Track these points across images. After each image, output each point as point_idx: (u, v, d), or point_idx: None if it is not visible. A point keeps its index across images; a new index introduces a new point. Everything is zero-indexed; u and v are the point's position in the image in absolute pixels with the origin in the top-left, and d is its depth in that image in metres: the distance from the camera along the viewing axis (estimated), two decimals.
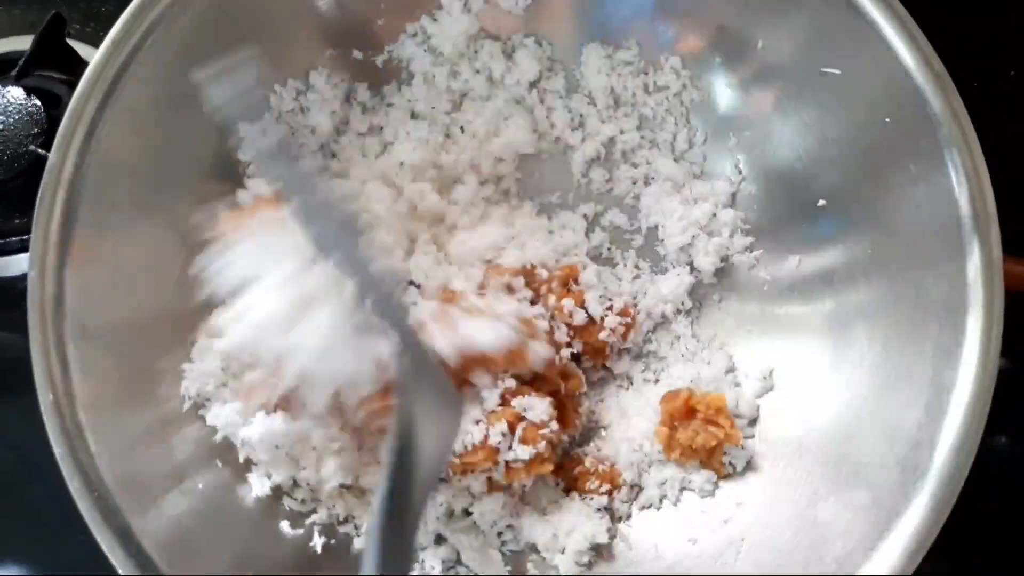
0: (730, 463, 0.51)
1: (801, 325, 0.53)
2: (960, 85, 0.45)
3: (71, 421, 0.43)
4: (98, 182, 0.46)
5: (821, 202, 0.52)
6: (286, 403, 0.47)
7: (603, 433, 0.54)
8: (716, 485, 0.51)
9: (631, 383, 0.55)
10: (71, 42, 0.62)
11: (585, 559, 0.50)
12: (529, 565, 0.50)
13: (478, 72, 0.57)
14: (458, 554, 0.50)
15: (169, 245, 0.50)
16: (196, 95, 0.39)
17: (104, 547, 0.41)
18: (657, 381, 0.55)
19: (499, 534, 0.51)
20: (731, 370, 0.54)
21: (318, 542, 0.49)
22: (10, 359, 0.54)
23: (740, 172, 0.56)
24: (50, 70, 0.61)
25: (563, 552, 0.50)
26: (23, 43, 0.62)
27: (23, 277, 0.55)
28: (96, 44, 0.60)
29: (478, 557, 0.49)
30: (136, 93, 0.47)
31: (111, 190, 0.47)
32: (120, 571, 0.41)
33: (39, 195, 0.45)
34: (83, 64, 0.59)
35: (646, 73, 0.58)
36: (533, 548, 0.51)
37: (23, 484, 0.56)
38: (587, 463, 0.52)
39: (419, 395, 0.42)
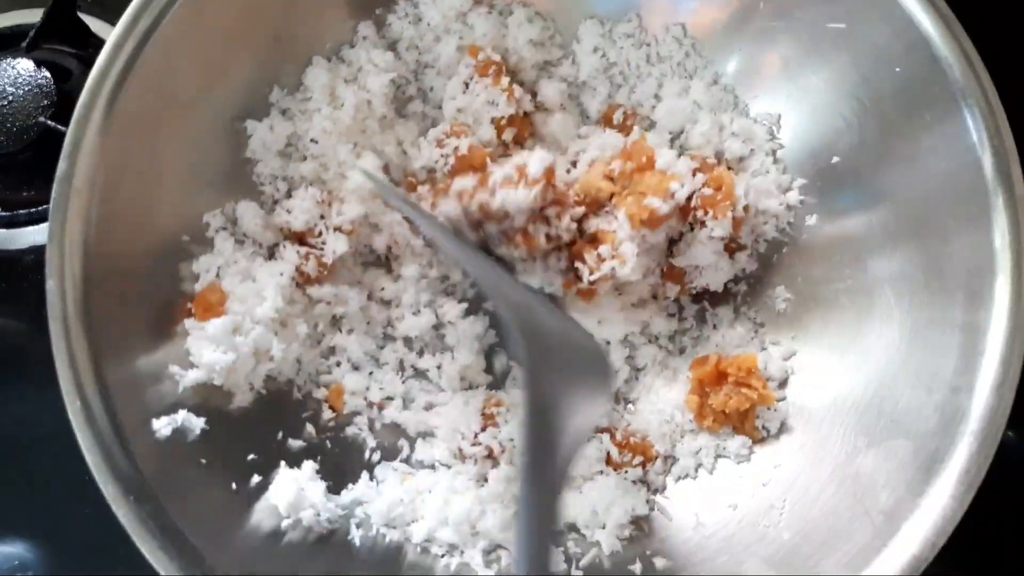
0: (763, 427, 0.50)
1: (828, 289, 0.52)
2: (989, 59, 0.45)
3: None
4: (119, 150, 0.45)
5: (835, 159, 0.52)
6: None
7: (632, 408, 0.54)
8: (751, 450, 0.51)
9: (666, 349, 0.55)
10: (82, 15, 0.63)
11: (626, 532, 0.49)
12: (569, 544, 0.49)
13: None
14: (496, 545, 0.48)
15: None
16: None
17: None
18: (683, 351, 0.55)
19: None
20: (755, 334, 0.53)
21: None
22: (19, 333, 0.55)
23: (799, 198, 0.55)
24: (60, 43, 0.62)
25: (604, 527, 0.49)
26: (33, 16, 0.62)
27: (32, 250, 0.58)
28: (107, 18, 0.63)
29: None
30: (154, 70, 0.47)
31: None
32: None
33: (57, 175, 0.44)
34: (93, 37, 0.62)
35: (648, 45, 0.58)
36: (572, 527, 0.50)
37: (30, 458, 0.55)
38: (619, 436, 0.51)
39: (553, 366, 0.41)
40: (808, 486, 0.46)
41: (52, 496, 0.52)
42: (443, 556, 0.48)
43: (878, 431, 0.45)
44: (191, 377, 0.46)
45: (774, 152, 0.55)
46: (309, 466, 0.48)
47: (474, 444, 0.50)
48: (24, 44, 0.60)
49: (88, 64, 0.56)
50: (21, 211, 0.59)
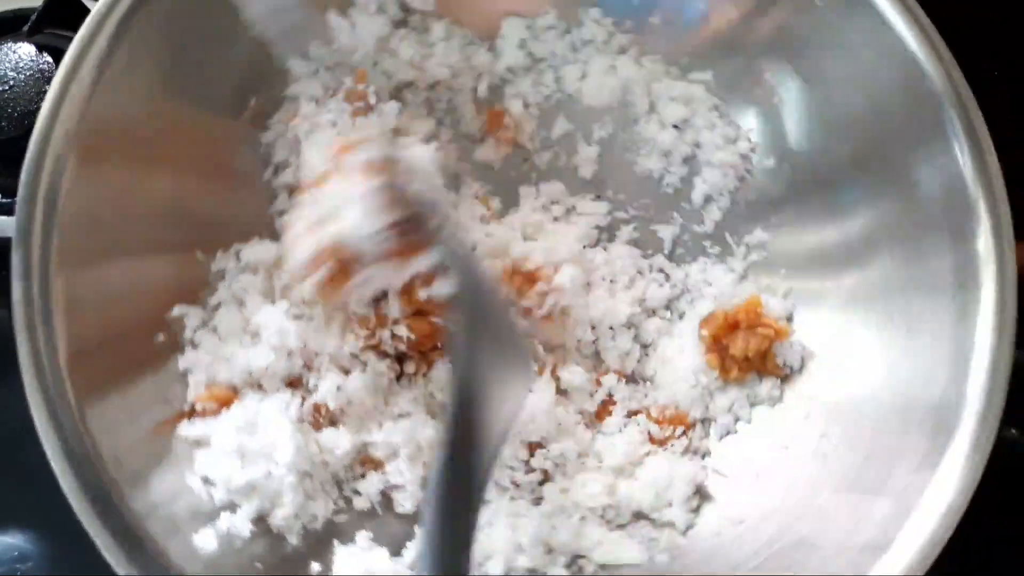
0: (785, 363, 0.51)
1: (821, 298, 0.52)
2: (979, 73, 0.45)
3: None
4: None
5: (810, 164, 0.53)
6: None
7: (651, 384, 0.53)
8: (782, 389, 0.51)
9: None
10: (84, 0, 0.61)
11: (694, 504, 0.48)
12: (643, 531, 0.48)
13: None
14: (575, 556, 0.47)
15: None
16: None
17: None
18: (682, 316, 0.55)
19: (602, 515, 0.48)
20: (746, 278, 0.55)
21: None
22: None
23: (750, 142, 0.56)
24: (62, 28, 0.60)
25: (671, 505, 0.48)
26: (35, 0, 0.60)
27: None
28: None
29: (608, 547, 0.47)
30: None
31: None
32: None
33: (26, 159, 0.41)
34: None
35: (569, 32, 0.58)
36: (638, 515, 0.49)
37: (28, 450, 0.49)
38: (654, 413, 0.51)
39: (482, 347, 0.38)
40: (851, 405, 0.47)
41: (51, 488, 0.49)
42: None
43: (904, 329, 0.46)
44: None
45: (716, 107, 0.57)
46: (364, 536, 0.45)
47: (528, 472, 0.48)
48: (25, 28, 0.59)
49: None
50: None
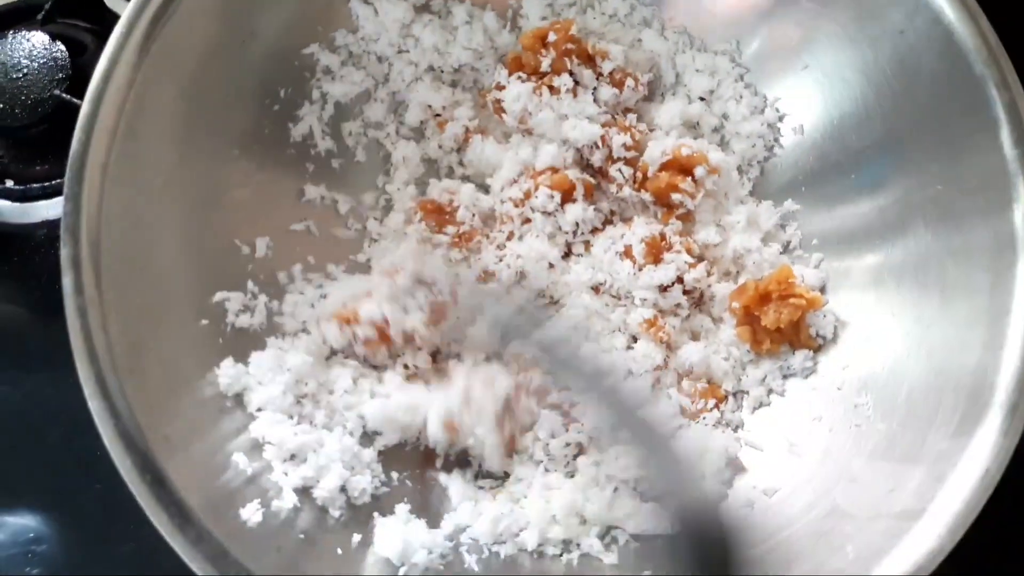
0: (817, 334, 0.51)
1: (853, 268, 0.52)
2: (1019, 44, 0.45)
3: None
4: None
5: (852, 140, 0.52)
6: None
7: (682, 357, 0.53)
8: (815, 360, 0.51)
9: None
10: None
11: (727, 475, 0.49)
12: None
13: None
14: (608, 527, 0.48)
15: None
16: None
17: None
18: (712, 297, 0.54)
19: (634, 488, 0.49)
20: (783, 251, 0.54)
21: None
22: (31, 305, 0.58)
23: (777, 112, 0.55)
24: (75, 18, 0.63)
25: (704, 478, 0.48)
26: None
27: (44, 224, 0.59)
28: None
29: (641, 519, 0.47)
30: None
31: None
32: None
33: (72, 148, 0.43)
34: (107, 12, 0.63)
35: (593, 7, 0.58)
36: None
37: (43, 433, 0.56)
38: (685, 385, 0.51)
39: None
40: (885, 374, 0.47)
41: (64, 470, 0.54)
42: (560, 555, 0.47)
43: (938, 297, 0.46)
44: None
45: (741, 77, 0.56)
46: (402, 509, 0.47)
47: (566, 445, 0.49)
48: (39, 17, 0.61)
49: (102, 39, 0.57)
50: (35, 185, 0.60)
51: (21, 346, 0.59)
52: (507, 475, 0.50)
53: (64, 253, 0.41)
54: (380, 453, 0.49)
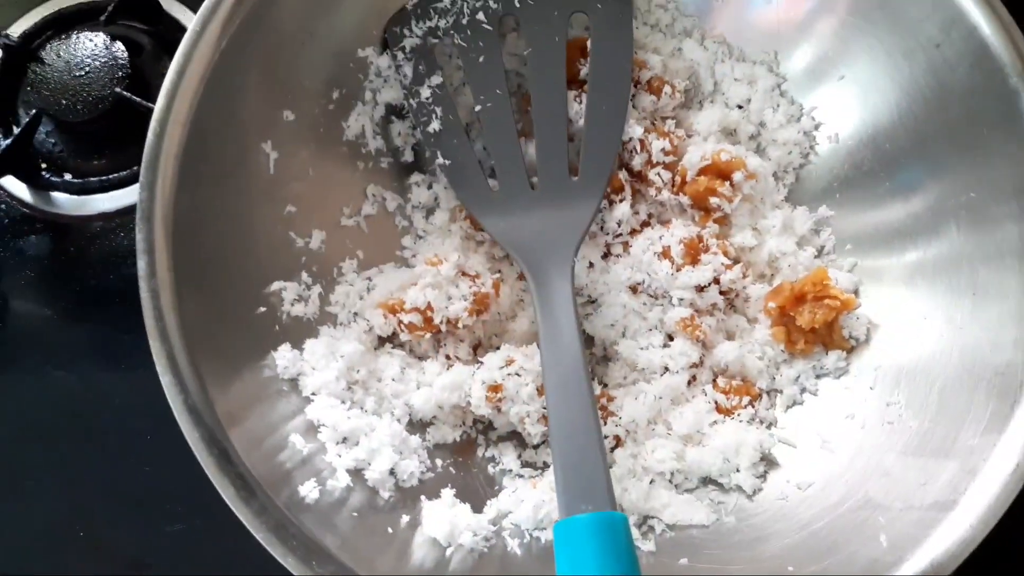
0: (850, 336, 0.53)
1: (886, 270, 0.53)
2: None
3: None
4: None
5: (887, 145, 0.53)
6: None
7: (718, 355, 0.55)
8: (847, 361, 0.53)
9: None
10: None
11: (761, 470, 0.50)
12: (712, 496, 0.50)
13: None
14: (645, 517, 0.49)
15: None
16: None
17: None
18: (748, 299, 0.56)
19: (670, 480, 0.50)
20: (817, 254, 0.56)
21: None
22: (87, 293, 0.61)
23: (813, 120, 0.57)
24: (135, 20, 0.66)
25: (738, 471, 0.50)
26: None
27: (100, 216, 0.63)
28: None
29: (677, 509, 0.49)
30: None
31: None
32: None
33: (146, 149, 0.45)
34: (165, 15, 0.67)
35: (634, 18, 0.60)
36: (708, 480, 0.51)
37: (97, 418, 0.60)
38: (720, 383, 0.53)
39: None
40: (917, 373, 0.49)
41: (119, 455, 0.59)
42: None
43: (969, 296, 0.47)
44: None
45: (779, 86, 0.58)
46: (448, 493, 0.48)
47: (604, 437, 0.51)
48: (102, 19, 0.64)
49: (159, 39, 0.66)
50: (92, 178, 0.63)
51: (77, 333, 0.62)
52: (547, 465, 0.52)
53: (139, 238, 0.44)
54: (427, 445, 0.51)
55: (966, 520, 0.41)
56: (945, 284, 0.49)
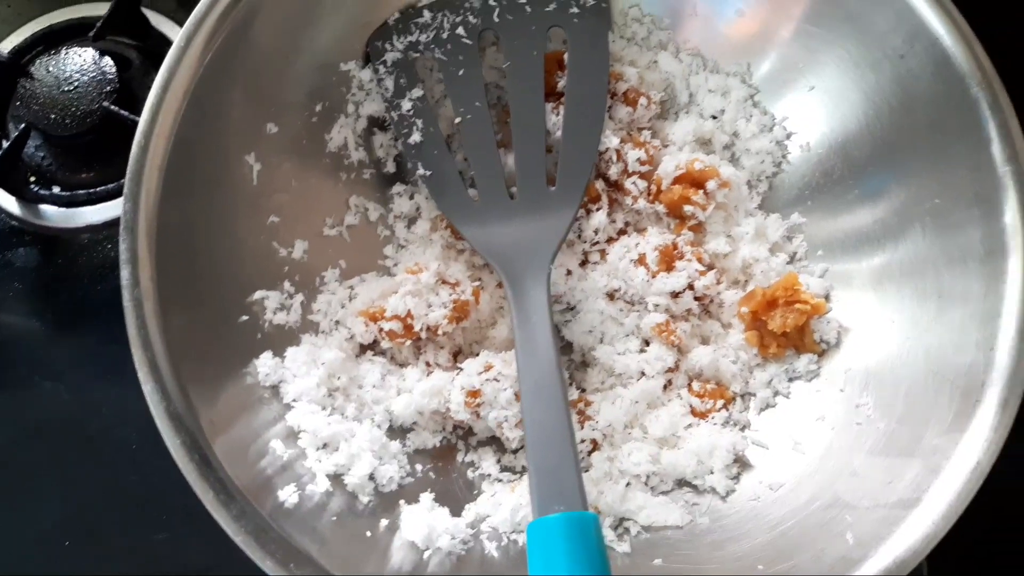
0: (822, 339, 0.54)
1: (855, 275, 0.54)
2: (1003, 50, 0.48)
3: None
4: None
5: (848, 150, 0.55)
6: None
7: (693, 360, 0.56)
8: (818, 364, 0.54)
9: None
10: (144, 11, 0.68)
11: (734, 471, 0.51)
12: (686, 498, 0.51)
13: None
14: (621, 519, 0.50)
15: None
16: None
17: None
18: (722, 304, 0.57)
19: (646, 482, 0.51)
20: (790, 261, 0.57)
21: None
22: (74, 304, 0.62)
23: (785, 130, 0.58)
24: (123, 35, 0.67)
25: (712, 473, 0.51)
26: (99, 9, 0.68)
27: (87, 228, 0.65)
28: (167, 13, 0.69)
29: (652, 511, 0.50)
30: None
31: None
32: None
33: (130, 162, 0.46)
34: (152, 31, 0.68)
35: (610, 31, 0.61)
36: (681, 482, 0.52)
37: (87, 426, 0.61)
38: (695, 387, 0.54)
39: None
40: (884, 375, 0.50)
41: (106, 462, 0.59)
42: None
43: (935, 300, 0.49)
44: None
45: (751, 97, 0.60)
46: (427, 497, 0.49)
47: (581, 441, 0.52)
48: (91, 34, 0.65)
49: (147, 55, 0.68)
50: (80, 191, 0.65)
51: (66, 344, 0.63)
52: (525, 469, 0.53)
53: (123, 248, 0.45)
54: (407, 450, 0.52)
55: (928, 517, 0.42)
56: (911, 288, 0.50)
